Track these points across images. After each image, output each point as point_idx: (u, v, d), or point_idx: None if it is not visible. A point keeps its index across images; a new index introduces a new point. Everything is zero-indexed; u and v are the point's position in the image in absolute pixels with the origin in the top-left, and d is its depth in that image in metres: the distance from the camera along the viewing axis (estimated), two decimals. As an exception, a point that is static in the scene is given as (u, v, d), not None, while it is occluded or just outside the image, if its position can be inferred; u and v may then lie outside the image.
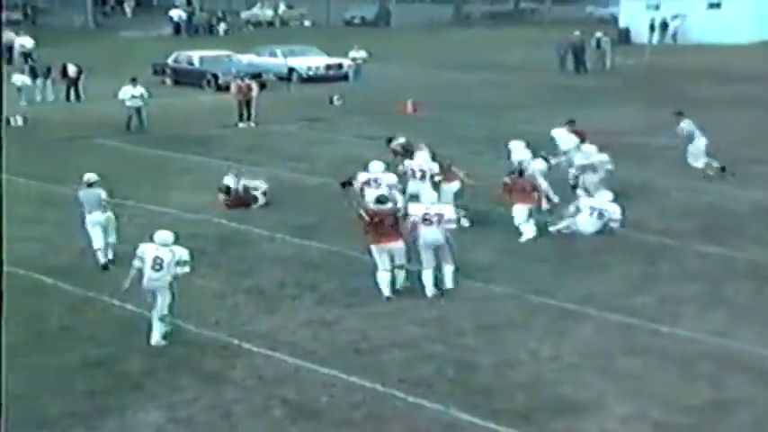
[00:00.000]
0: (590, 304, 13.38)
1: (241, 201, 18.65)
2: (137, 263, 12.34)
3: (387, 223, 13.83)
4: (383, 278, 13.82)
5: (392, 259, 13.84)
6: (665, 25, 51.46)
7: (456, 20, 68.23)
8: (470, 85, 36.42)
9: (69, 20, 67.87)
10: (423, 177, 16.74)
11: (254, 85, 29.83)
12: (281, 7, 71.03)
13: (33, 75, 34.11)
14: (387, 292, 13.76)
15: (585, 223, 16.62)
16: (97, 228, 15.28)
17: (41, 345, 12.29)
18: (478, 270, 14.77)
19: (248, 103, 29.14)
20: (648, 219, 17.53)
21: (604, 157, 18.39)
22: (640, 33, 50.83)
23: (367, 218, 13.87)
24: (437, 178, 16.66)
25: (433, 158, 17.15)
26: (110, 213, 15.46)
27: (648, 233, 16.66)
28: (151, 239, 12.51)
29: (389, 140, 19.12)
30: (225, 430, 10.20)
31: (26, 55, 41.35)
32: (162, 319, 12.29)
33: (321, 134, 26.53)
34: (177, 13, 64.21)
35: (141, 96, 28.05)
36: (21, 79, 33.51)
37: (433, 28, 62.53)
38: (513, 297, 13.72)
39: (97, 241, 15.30)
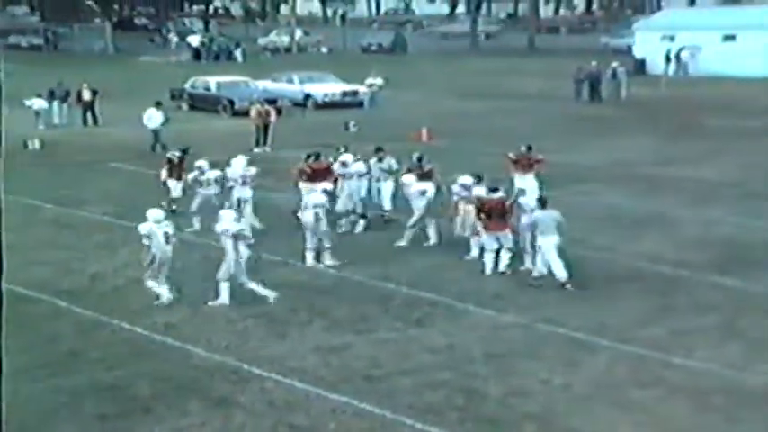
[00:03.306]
0: (602, 334, 13.29)
1: None
2: (146, 241, 14.27)
3: (495, 212, 15.58)
4: (488, 258, 15.76)
5: (499, 243, 15.69)
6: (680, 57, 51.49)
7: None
8: (486, 114, 36.45)
9: (89, 45, 68.48)
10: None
11: (273, 111, 30.07)
12: (298, 34, 71.41)
13: (51, 98, 34.33)
14: (488, 270, 15.72)
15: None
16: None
17: (53, 368, 12.29)
18: (489, 298, 14.73)
19: (266, 129, 29.36)
20: (663, 250, 17.44)
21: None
22: (656, 64, 50.86)
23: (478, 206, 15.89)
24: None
25: None
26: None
27: (663, 264, 16.56)
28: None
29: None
30: (232, 456, 10.16)
31: None
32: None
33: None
34: (195, 39, 64.82)
35: (160, 119, 28.47)
36: (38, 103, 33.71)
37: (449, 56, 62.69)
38: (524, 326, 13.66)
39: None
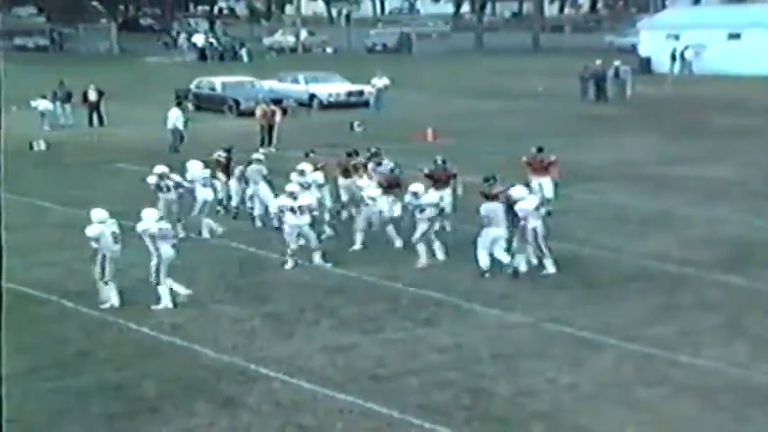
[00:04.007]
0: (608, 333, 13.28)
1: None
2: (94, 244, 14.25)
3: None
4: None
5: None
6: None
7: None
8: (491, 113, 36.45)
9: (95, 45, 68.63)
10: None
11: (278, 111, 30.14)
12: (303, 34, 71.50)
13: (53, 99, 34.42)
14: (524, 266, 15.87)
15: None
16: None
17: (60, 368, 12.32)
18: (496, 297, 14.74)
19: (270, 129, 29.41)
20: (669, 249, 17.42)
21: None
22: (661, 63, 50.82)
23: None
24: None
25: None
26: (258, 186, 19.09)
27: (669, 263, 16.54)
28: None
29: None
30: (240, 456, 10.18)
31: None
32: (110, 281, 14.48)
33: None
34: (200, 38, 64.95)
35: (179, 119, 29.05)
36: (43, 104, 33.79)
37: (453, 56, 62.72)
38: (531, 325, 13.66)
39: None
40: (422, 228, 16.46)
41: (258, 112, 30.20)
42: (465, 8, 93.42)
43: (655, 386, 11.61)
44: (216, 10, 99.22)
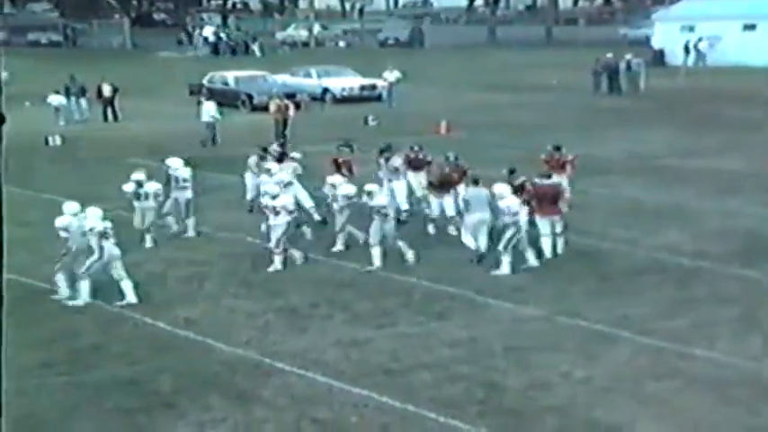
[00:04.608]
0: (623, 327, 13.26)
1: None
2: (63, 233, 14.43)
3: (547, 197, 16.06)
4: (545, 242, 16.03)
5: (553, 227, 15.99)
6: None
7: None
8: (504, 106, 36.39)
9: (108, 40, 68.80)
10: None
11: (291, 105, 30.18)
12: (316, 28, 71.48)
13: (67, 94, 34.53)
14: (548, 254, 15.99)
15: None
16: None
17: (74, 363, 12.37)
18: (509, 291, 14.73)
19: (284, 123, 29.47)
20: (683, 242, 17.38)
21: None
22: (675, 55, 50.60)
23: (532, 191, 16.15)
24: None
25: None
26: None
27: (683, 256, 16.51)
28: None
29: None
30: (254, 450, 10.21)
31: None
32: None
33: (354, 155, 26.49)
34: (209, 31, 65.03)
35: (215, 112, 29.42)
36: (57, 99, 33.91)
37: (466, 49, 62.58)
38: (544, 319, 13.65)
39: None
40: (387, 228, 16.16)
41: (272, 106, 30.26)
42: (479, 0, 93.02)
43: (668, 379, 11.60)
44: (229, 4, 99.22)
